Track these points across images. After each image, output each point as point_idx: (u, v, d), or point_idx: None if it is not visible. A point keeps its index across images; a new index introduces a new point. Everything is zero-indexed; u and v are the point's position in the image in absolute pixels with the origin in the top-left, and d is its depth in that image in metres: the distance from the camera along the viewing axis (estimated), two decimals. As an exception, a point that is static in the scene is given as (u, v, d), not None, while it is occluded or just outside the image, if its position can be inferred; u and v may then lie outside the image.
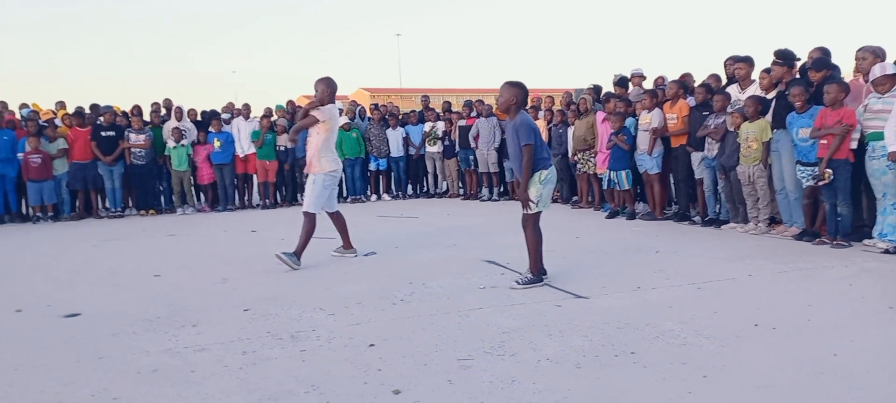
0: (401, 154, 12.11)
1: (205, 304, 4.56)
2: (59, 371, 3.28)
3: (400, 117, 12.38)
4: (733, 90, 7.42)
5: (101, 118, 10.79)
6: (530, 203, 4.78)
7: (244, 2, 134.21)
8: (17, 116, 10.95)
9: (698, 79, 8.41)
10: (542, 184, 4.82)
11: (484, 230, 7.84)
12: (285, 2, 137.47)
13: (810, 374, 2.95)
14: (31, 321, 4.28)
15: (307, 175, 6.15)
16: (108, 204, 10.91)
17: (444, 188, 12.42)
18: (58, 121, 10.80)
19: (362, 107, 12.86)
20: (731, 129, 7.04)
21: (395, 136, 12.04)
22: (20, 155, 10.11)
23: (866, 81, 6.09)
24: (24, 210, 10.55)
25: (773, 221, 6.92)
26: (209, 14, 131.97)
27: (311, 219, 5.91)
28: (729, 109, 7.25)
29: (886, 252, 5.52)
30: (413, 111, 12.72)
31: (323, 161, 5.95)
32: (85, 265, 6.35)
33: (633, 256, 5.89)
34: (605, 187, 8.73)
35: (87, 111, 11.07)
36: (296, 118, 11.68)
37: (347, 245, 6.36)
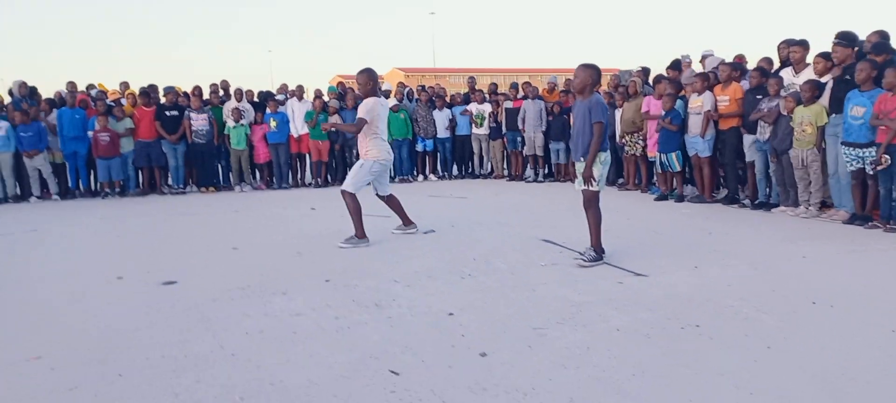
0: (447, 135, 12.37)
1: (287, 275, 4.93)
2: (174, 330, 3.66)
3: (446, 99, 12.63)
4: (787, 74, 7.48)
5: (164, 98, 11.31)
6: (592, 181, 5.01)
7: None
8: (88, 96, 11.50)
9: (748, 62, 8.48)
10: (603, 164, 5.06)
11: (534, 210, 8.09)
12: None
13: (869, 348, 3.16)
14: (134, 287, 4.69)
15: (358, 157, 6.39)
16: (170, 181, 11.46)
17: (490, 169, 12.66)
18: (123, 101, 11.35)
19: (411, 89, 13.13)
20: (785, 113, 7.12)
21: (441, 117, 12.30)
22: (90, 133, 10.68)
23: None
24: (92, 186, 11.16)
25: (824, 205, 7.01)
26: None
27: (350, 197, 6.06)
28: (782, 93, 7.33)
29: (941, 236, 5.61)
30: (459, 92, 12.94)
31: (372, 149, 6.16)
32: (166, 237, 6.79)
33: (687, 237, 6.09)
34: (658, 171, 8.87)
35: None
36: (345, 99, 12.06)
37: (407, 221, 6.65)
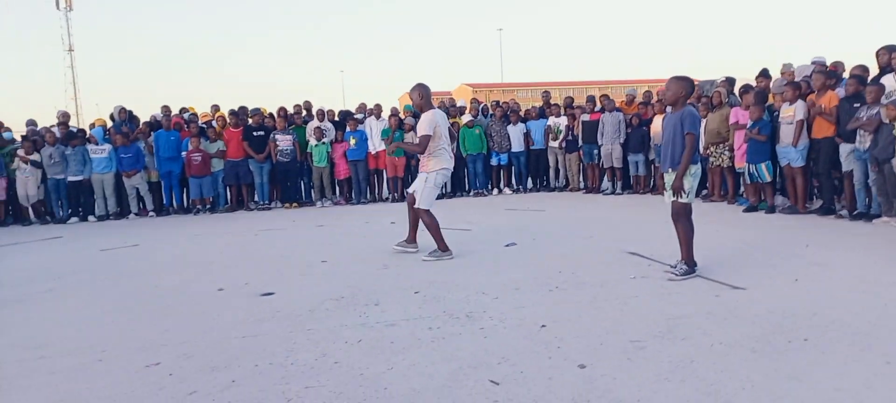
0: (521, 149, 12.38)
1: (378, 287, 5.04)
2: (278, 339, 3.82)
3: (520, 113, 12.65)
4: (889, 80, 7.11)
5: (251, 119, 11.83)
6: (682, 192, 4.91)
7: (349, 3, 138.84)
8: (181, 119, 12.16)
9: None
10: (693, 176, 4.95)
11: (614, 222, 7.96)
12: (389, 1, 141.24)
13: None
14: (236, 298, 4.92)
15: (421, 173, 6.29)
16: (256, 198, 11.94)
17: (565, 182, 12.55)
18: (213, 123, 11.94)
19: (485, 105, 13.22)
20: (887, 121, 6.76)
21: (515, 132, 12.32)
22: (183, 154, 11.28)
23: None
24: (184, 203, 11.76)
25: (933, 216, 6.60)
26: (316, 14, 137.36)
27: (428, 214, 6.12)
28: (884, 100, 6.97)
29: None
30: (534, 106, 12.93)
31: (433, 160, 6.17)
32: (258, 251, 7.08)
33: (783, 249, 5.85)
34: (747, 182, 8.57)
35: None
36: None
37: (412, 239, 6.47)
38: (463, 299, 4.56)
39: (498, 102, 13.09)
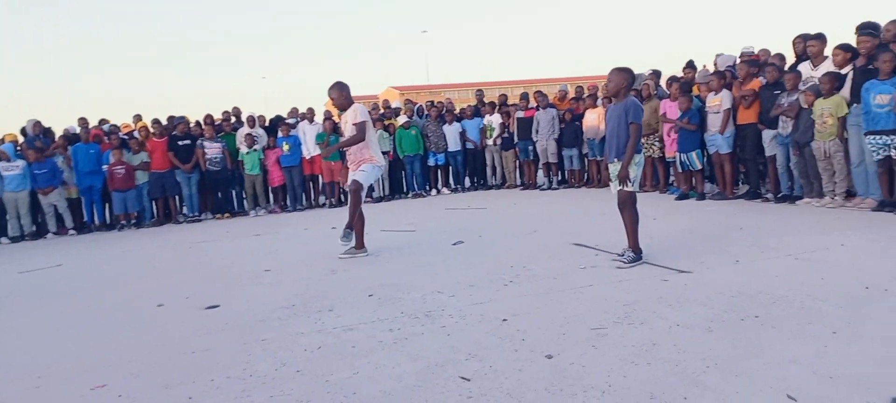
0: (458, 148, 12.43)
1: (328, 292, 4.91)
2: (232, 352, 3.65)
3: (456, 112, 12.69)
4: (805, 68, 7.53)
5: (176, 128, 11.35)
6: (628, 181, 5.02)
7: (271, 7, 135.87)
8: (101, 131, 11.53)
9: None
10: (637, 165, 5.08)
11: (556, 216, 8.09)
12: (311, 5, 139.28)
13: (937, 328, 3.15)
14: (178, 313, 4.68)
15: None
16: (185, 210, 11.47)
17: (502, 179, 12.67)
18: (136, 134, 11.40)
19: (420, 105, 13.20)
20: (805, 107, 7.16)
21: (451, 131, 12.36)
22: (104, 167, 10.71)
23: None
24: (107, 219, 11.16)
25: (849, 194, 7.03)
26: (238, 17, 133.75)
27: (357, 195, 6.02)
28: (801, 87, 7.37)
29: (975, 218, 5.62)
30: (469, 105, 13.01)
31: (369, 151, 6.12)
32: (194, 264, 6.79)
33: (719, 233, 6.09)
34: (678, 170, 8.88)
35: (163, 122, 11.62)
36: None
37: (359, 244, 6.31)
38: (419, 299, 4.50)
39: (432, 102, 13.09)
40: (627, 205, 5.12)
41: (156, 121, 11.36)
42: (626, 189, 5.07)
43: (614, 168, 5.13)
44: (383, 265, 5.82)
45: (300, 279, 5.52)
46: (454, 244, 6.67)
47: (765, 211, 7.21)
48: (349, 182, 6.18)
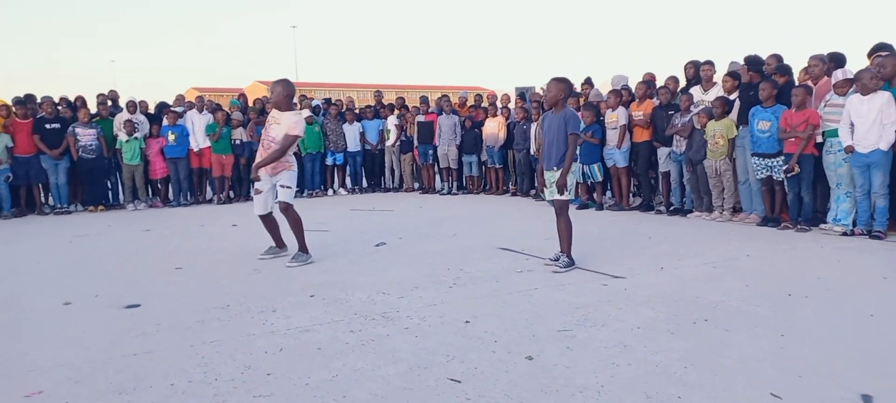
0: (358, 148, 12.21)
1: (264, 292, 4.62)
2: (183, 355, 3.31)
3: (356, 112, 12.47)
4: (696, 91, 8.19)
5: (41, 109, 10.16)
6: (565, 189, 5.18)
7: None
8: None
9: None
10: (574, 174, 5.27)
11: (470, 220, 8.18)
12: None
13: (866, 329, 3.53)
14: (92, 313, 4.18)
15: (275, 174, 5.75)
16: (51, 201, 10.31)
17: (399, 182, 12.60)
18: (-7, 112, 10.06)
19: (318, 103, 12.82)
20: (699, 127, 7.79)
21: (351, 131, 12.12)
22: (-47, 147, 9.37)
23: (814, 85, 7.00)
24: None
25: (734, 209, 7.74)
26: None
27: (293, 211, 5.70)
28: (693, 109, 8.02)
29: (844, 234, 6.39)
30: (369, 106, 12.82)
31: (289, 158, 5.77)
32: (83, 259, 6.10)
33: (629, 241, 6.45)
34: (579, 180, 9.30)
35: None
36: (249, 112, 11.53)
37: (281, 244, 6.06)
38: (367, 300, 4.35)
39: (329, 100, 12.75)
40: (563, 212, 5.29)
41: (19, 101, 10.09)
42: (562, 197, 5.24)
43: (552, 175, 5.28)
44: (312, 264, 5.57)
45: (221, 278, 5.14)
46: (376, 245, 6.52)
47: (661, 222, 7.75)
48: (278, 203, 5.76)
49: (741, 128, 7.45)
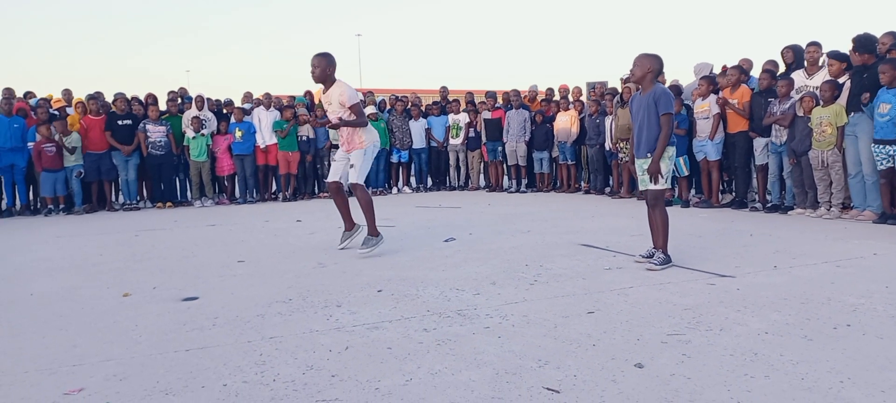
0: (423, 146, 11.87)
1: (328, 286, 4.24)
2: (237, 351, 2.95)
3: (422, 109, 12.13)
4: (798, 76, 7.41)
5: (114, 105, 10.25)
6: (660, 177, 4.60)
7: (199, 1, 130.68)
8: (27, 104, 10.27)
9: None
10: (669, 159, 4.67)
11: (544, 218, 7.65)
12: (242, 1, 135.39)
13: None
14: (147, 305, 3.89)
15: (349, 153, 5.51)
16: (121, 197, 10.38)
17: (465, 180, 12.18)
18: (69, 110, 10.23)
19: (383, 99, 12.56)
20: (801, 115, 7.01)
21: (417, 128, 11.79)
22: (30, 144, 9.52)
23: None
24: (31, 202, 9.94)
25: (844, 206, 6.91)
26: (163, 12, 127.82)
27: (362, 189, 5.41)
28: (793, 95, 7.24)
29: None
30: (436, 102, 12.47)
31: (366, 134, 5.47)
32: (147, 252, 5.92)
33: (730, 240, 5.77)
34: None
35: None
36: (315, 109, 11.32)
37: (352, 224, 5.82)
38: (440, 296, 3.91)
39: (397, 97, 12.46)
40: (658, 203, 4.70)
41: (93, 97, 10.20)
42: (657, 186, 4.65)
43: (643, 163, 4.70)
44: (378, 259, 5.18)
45: (285, 271, 4.80)
46: (446, 240, 6.09)
47: (761, 220, 6.99)
48: (349, 184, 5.47)
49: (852, 115, 6.64)
